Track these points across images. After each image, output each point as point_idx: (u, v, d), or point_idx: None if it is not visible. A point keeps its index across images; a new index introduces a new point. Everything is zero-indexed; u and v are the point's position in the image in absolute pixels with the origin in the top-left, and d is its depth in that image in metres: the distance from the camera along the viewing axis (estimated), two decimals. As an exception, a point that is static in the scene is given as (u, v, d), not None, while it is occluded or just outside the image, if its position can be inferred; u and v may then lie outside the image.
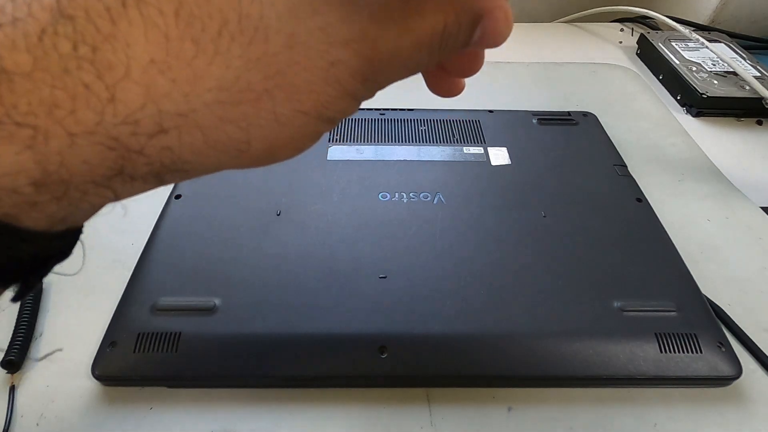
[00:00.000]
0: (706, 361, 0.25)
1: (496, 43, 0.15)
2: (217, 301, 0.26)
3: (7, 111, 0.11)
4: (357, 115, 0.41)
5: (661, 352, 0.25)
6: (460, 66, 0.18)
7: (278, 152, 0.15)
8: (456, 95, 0.19)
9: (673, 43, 0.53)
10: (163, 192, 0.34)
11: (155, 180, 0.13)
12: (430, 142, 0.39)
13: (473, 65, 0.17)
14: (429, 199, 0.33)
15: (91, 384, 0.25)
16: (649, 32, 0.57)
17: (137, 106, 0.11)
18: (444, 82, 0.19)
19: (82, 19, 0.11)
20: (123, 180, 0.12)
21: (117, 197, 0.13)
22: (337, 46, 0.13)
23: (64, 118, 0.11)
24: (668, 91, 0.51)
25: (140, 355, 0.24)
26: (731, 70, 0.48)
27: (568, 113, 0.43)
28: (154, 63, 0.11)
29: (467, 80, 0.20)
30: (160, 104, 0.11)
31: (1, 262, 0.12)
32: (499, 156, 0.38)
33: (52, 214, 0.12)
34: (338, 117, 0.15)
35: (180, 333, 0.25)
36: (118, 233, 0.33)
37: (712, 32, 0.56)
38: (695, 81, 0.47)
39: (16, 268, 0.13)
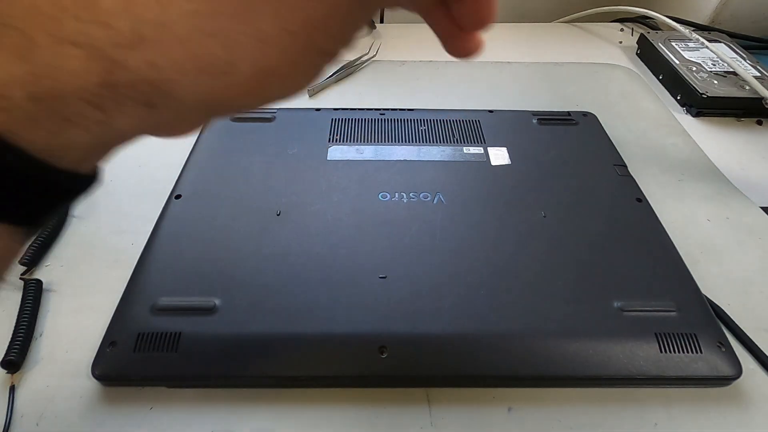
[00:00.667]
0: (706, 361, 0.25)
1: None
2: (217, 301, 0.26)
3: None
4: (357, 115, 0.41)
5: (661, 352, 0.25)
6: (468, 12, 0.17)
7: (267, 80, 0.13)
8: (475, 53, 0.18)
9: (673, 43, 0.53)
10: (163, 192, 0.34)
11: (146, 109, 0.13)
12: (430, 142, 0.39)
13: (481, 11, 0.16)
14: (429, 199, 0.33)
15: (91, 384, 0.25)
16: (649, 32, 0.57)
17: (116, 11, 0.11)
18: (459, 40, 0.18)
19: None
20: (114, 100, 0.12)
21: (111, 123, 0.13)
22: None
23: (48, 23, 0.11)
24: (668, 91, 0.51)
25: (140, 355, 0.24)
26: (731, 70, 0.48)
27: (568, 113, 0.43)
28: None
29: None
30: (137, 11, 0.11)
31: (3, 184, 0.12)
32: (499, 156, 0.38)
33: (52, 135, 0.12)
34: (330, 46, 0.13)
35: (180, 333, 0.25)
36: (118, 233, 0.33)
37: (712, 32, 0.56)
38: (695, 81, 0.47)
39: (19, 196, 0.13)
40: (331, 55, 0.14)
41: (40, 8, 0.11)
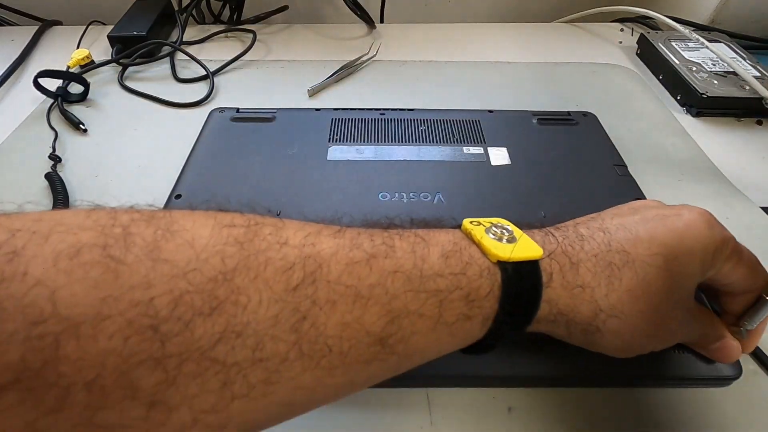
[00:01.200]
0: (706, 361, 0.25)
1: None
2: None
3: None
4: (357, 115, 0.41)
5: (662, 352, 0.25)
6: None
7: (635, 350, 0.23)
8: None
9: (673, 43, 0.53)
10: (163, 192, 0.34)
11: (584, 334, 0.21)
12: (430, 142, 0.39)
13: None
14: (429, 199, 0.33)
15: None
16: (649, 32, 0.57)
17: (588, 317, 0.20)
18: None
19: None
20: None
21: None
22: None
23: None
24: (668, 91, 0.51)
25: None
26: (731, 70, 0.48)
27: (568, 113, 0.43)
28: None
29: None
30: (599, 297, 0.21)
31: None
32: (499, 156, 0.38)
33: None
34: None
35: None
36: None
37: (712, 32, 0.56)
38: (695, 81, 0.47)
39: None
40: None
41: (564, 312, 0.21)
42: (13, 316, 0.11)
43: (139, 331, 0.13)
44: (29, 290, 0.12)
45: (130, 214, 0.15)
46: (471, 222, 0.21)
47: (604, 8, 0.61)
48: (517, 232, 0.20)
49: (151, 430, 0.13)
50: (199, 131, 0.40)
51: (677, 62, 0.50)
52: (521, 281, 0.19)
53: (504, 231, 0.20)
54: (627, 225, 0.22)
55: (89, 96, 0.47)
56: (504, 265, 0.19)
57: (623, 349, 0.21)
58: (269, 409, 0.15)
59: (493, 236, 0.20)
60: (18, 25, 0.65)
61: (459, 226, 0.21)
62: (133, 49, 0.53)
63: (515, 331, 0.20)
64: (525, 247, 0.20)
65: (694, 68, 0.49)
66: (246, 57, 0.54)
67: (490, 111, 0.43)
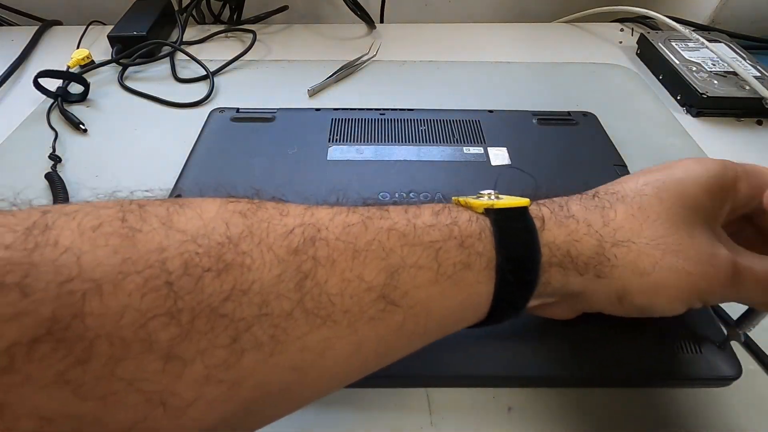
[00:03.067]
0: (706, 361, 0.25)
1: None
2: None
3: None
4: (357, 115, 0.41)
5: (661, 352, 0.25)
6: None
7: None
8: None
9: (673, 43, 0.53)
10: (163, 192, 0.34)
11: (595, 279, 0.20)
12: (430, 142, 0.39)
13: None
14: (429, 199, 0.33)
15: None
16: (649, 32, 0.57)
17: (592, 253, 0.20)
18: None
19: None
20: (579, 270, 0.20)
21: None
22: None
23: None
24: (668, 91, 0.51)
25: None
26: (731, 70, 0.48)
27: (568, 113, 0.43)
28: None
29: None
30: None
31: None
32: (499, 156, 0.38)
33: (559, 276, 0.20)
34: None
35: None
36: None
37: (712, 32, 0.56)
38: (695, 81, 0.47)
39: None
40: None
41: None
42: (46, 276, 0.13)
43: (155, 288, 0.14)
44: (60, 255, 0.13)
45: (145, 198, 0.17)
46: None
47: (604, 8, 0.61)
48: (502, 196, 0.21)
49: (167, 383, 0.14)
50: (199, 131, 0.40)
51: (677, 62, 0.50)
52: (512, 222, 0.20)
53: (490, 194, 0.21)
54: (611, 183, 0.23)
55: (89, 96, 0.47)
56: (491, 212, 0.20)
57: (659, 288, 0.19)
58: (280, 371, 0.16)
59: (477, 198, 0.21)
60: (18, 25, 0.65)
61: None
62: (133, 49, 0.53)
63: (525, 285, 0.19)
64: (510, 200, 0.21)
65: (694, 68, 0.49)
66: (246, 57, 0.54)
67: (490, 111, 0.43)
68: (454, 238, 0.19)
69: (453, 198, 0.22)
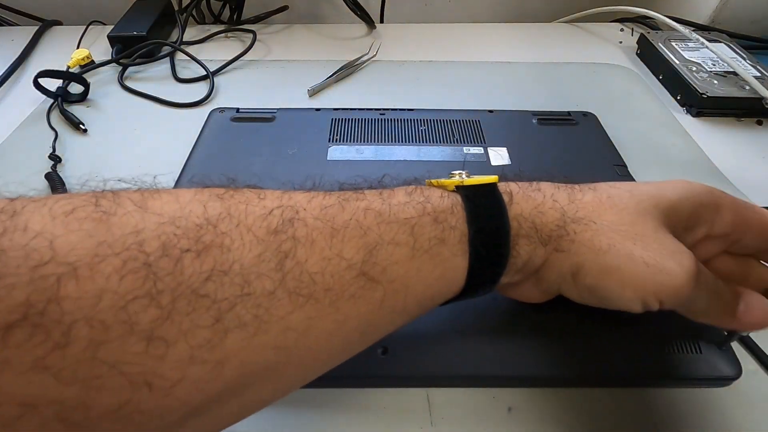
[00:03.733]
0: (706, 361, 0.25)
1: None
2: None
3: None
4: (357, 115, 0.41)
5: (662, 352, 0.25)
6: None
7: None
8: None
9: (673, 43, 0.53)
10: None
11: (556, 253, 0.21)
12: (430, 142, 0.39)
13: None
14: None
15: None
16: (649, 32, 0.57)
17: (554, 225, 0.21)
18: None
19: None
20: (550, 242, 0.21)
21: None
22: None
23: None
24: (668, 91, 0.51)
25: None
26: (731, 70, 0.48)
27: (568, 113, 0.43)
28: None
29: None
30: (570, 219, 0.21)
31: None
32: (499, 156, 0.38)
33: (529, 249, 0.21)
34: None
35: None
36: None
37: (712, 32, 0.56)
38: (695, 81, 0.47)
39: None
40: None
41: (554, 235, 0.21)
42: (17, 261, 0.12)
43: (133, 270, 0.14)
44: (30, 240, 0.13)
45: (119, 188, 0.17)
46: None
47: (604, 8, 0.61)
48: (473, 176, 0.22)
49: (151, 365, 0.14)
50: (199, 131, 0.40)
51: (677, 62, 0.50)
52: (481, 198, 0.20)
53: (460, 173, 0.21)
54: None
55: (89, 96, 0.47)
56: (461, 189, 0.21)
57: (611, 269, 0.19)
58: (264, 351, 0.16)
59: (449, 177, 0.21)
60: (18, 25, 0.65)
61: None
62: (133, 49, 0.53)
63: (498, 258, 0.20)
64: (480, 178, 0.21)
65: (694, 68, 0.49)
66: (246, 57, 0.54)
67: (490, 111, 0.43)
68: (427, 214, 0.19)
69: (426, 180, 0.22)
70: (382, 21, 0.67)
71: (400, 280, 0.18)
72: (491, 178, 0.21)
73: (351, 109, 0.42)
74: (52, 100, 0.46)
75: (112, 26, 0.56)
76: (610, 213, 0.20)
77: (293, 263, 0.16)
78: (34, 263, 0.13)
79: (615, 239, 0.20)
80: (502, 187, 0.21)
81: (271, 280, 0.16)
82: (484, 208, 0.20)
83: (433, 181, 0.22)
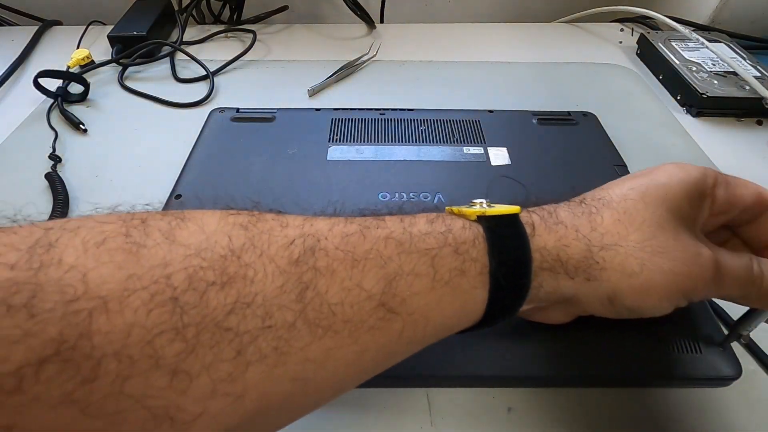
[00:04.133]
0: (706, 361, 0.25)
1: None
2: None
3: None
4: (357, 115, 0.41)
5: (662, 352, 0.25)
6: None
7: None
8: None
9: (673, 43, 0.53)
10: (163, 192, 0.34)
11: (585, 282, 0.21)
12: (430, 142, 0.39)
13: None
14: (429, 199, 0.33)
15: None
16: (649, 32, 0.57)
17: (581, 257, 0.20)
18: None
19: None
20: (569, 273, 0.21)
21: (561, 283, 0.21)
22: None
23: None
24: (668, 91, 0.51)
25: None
26: (731, 70, 0.48)
27: (568, 113, 0.43)
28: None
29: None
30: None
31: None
32: (499, 156, 0.38)
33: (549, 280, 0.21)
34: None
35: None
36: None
37: (712, 32, 0.56)
38: (695, 81, 0.47)
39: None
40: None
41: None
42: (51, 296, 0.13)
43: (161, 303, 0.14)
44: (64, 274, 0.13)
45: (146, 211, 0.17)
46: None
47: (604, 8, 0.61)
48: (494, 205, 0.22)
49: (173, 398, 0.14)
50: (199, 131, 0.40)
51: (677, 62, 0.50)
52: (504, 228, 0.20)
53: (481, 202, 0.21)
54: (598, 189, 0.24)
55: (89, 96, 0.47)
56: (483, 219, 0.20)
57: (648, 288, 0.20)
58: (282, 382, 0.16)
59: (470, 206, 0.21)
60: (18, 25, 0.65)
61: None
62: (133, 49, 0.53)
63: (518, 290, 0.20)
64: (502, 207, 0.21)
65: (694, 68, 0.49)
66: (246, 57, 0.54)
67: (490, 111, 0.43)
68: (449, 245, 0.19)
69: (446, 207, 0.22)
70: (382, 21, 0.67)
71: (419, 311, 0.18)
72: (513, 209, 0.21)
73: (351, 109, 0.42)
74: (52, 100, 0.46)
75: (112, 26, 0.56)
76: (632, 232, 0.21)
77: (313, 294, 0.16)
78: (68, 298, 0.13)
79: (644, 258, 0.20)
80: (524, 217, 0.21)
81: (292, 312, 0.16)
82: (506, 240, 0.20)
83: (454, 209, 0.21)
